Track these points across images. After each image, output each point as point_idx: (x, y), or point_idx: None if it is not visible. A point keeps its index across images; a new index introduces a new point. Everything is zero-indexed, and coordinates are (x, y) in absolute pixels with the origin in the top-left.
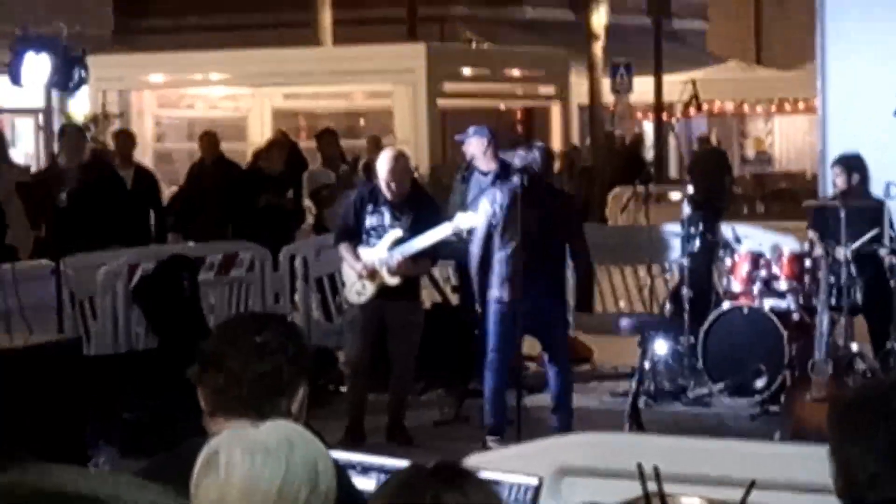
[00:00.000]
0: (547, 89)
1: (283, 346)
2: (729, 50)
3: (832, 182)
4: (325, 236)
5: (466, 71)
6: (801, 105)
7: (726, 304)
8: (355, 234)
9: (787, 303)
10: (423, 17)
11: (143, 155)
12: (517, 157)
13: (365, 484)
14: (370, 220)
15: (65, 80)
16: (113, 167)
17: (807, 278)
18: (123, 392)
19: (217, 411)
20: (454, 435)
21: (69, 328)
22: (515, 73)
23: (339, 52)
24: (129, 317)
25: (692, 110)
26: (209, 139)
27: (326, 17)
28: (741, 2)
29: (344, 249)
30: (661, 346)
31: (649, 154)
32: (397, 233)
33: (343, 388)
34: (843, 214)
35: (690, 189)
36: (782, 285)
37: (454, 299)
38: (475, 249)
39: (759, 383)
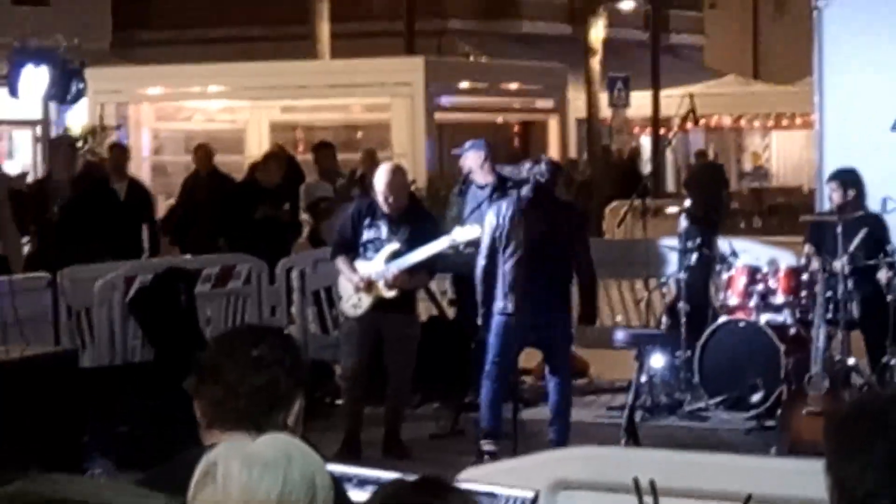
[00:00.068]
0: (544, 103)
1: (280, 359)
2: (726, 64)
3: (828, 197)
4: (323, 249)
5: (464, 84)
6: (798, 120)
7: (723, 318)
8: (352, 248)
9: (784, 317)
10: (421, 31)
11: (141, 167)
12: (524, 170)
13: (361, 497)
14: (367, 234)
15: (63, 92)
16: (105, 180)
17: (803, 292)
18: (119, 404)
19: (214, 424)
20: (450, 448)
21: (65, 340)
22: (513, 86)
23: (336, 65)
24: (125, 329)
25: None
26: (204, 152)
27: (324, 31)
28: (739, 17)
29: (341, 262)
30: (657, 360)
31: (646, 168)
32: (394, 246)
33: (339, 401)
34: (839, 229)
35: (687, 203)
36: (779, 299)
37: (451, 313)
38: (481, 260)
39: (756, 397)
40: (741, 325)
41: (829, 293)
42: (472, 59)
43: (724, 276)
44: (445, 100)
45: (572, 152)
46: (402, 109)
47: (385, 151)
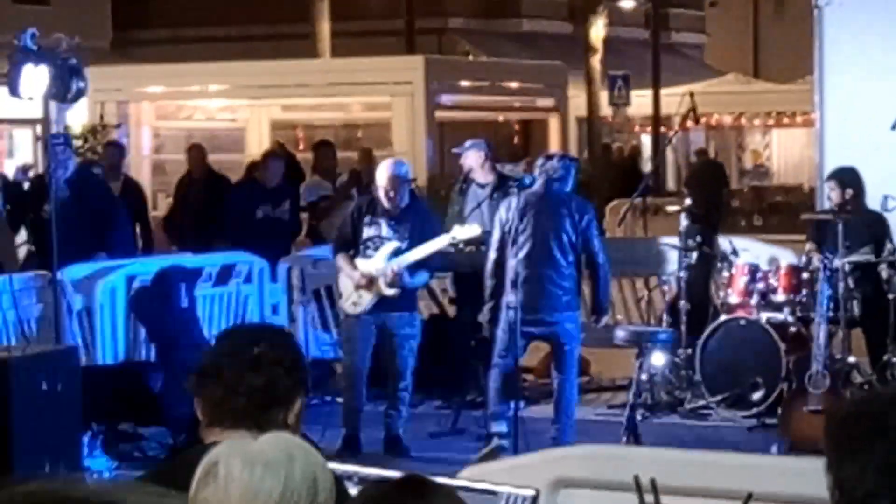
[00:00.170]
0: (545, 102)
1: (280, 358)
2: (727, 63)
3: (827, 196)
4: (323, 247)
5: (464, 83)
6: (798, 118)
7: (723, 317)
8: (352, 245)
9: (785, 315)
10: (421, 30)
11: (141, 166)
12: (536, 166)
13: None
14: (367, 231)
15: (63, 91)
16: (100, 178)
17: (804, 291)
18: (120, 402)
19: (214, 422)
20: (451, 446)
21: (66, 338)
22: (513, 85)
23: (337, 63)
24: (126, 327)
25: (690, 123)
26: (197, 152)
27: (325, 29)
28: (740, 15)
29: (341, 260)
30: (658, 359)
31: (647, 166)
32: (394, 244)
33: (340, 400)
34: (840, 227)
35: (688, 201)
36: (780, 298)
37: (451, 311)
38: (491, 254)
39: (757, 395)
40: (742, 323)
41: (829, 291)
42: (472, 57)
43: (725, 274)
44: (446, 98)
45: (573, 151)
46: (402, 108)
47: (385, 150)
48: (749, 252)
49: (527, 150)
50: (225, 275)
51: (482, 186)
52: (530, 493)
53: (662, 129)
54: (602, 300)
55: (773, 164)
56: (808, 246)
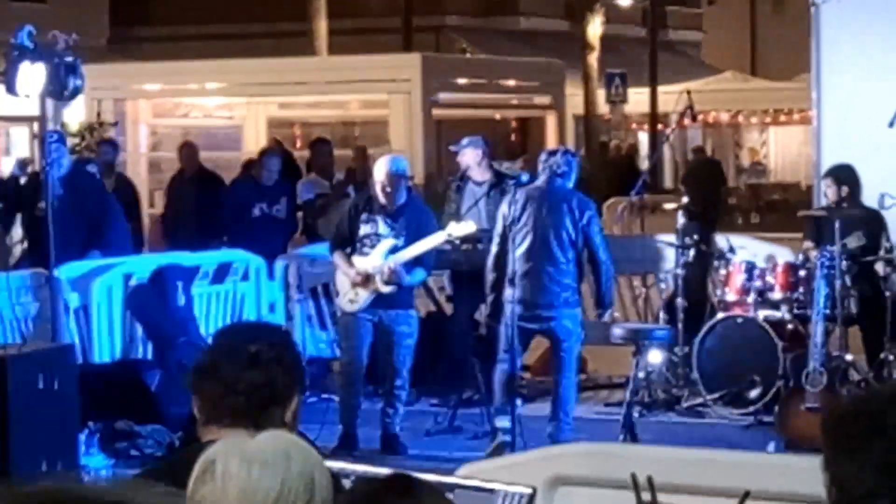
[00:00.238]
0: (542, 99)
1: (278, 356)
2: (724, 61)
3: (823, 194)
4: (320, 245)
5: (462, 81)
6: (796, 116)
7: (721, 315)
8: (350, 243)
9: (782, 313)
10: (419, 28)
11: (138, 164)
12: (539, 162)
13: None
14: (364, 229)
15: (60, 89)
16: (94, 175)
17: (801, 288)
18: (117, 400)
19: (212, 420)
20: (448, 444)
21: (63, 336)
22: (510, 83)
23: (334, 61)
24: (123, 325)
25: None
26: (188, 150)
27: (322, 27)
28: (737, 13)
29: (338, 257)
30: (655, 356)
31: (644, 164)
32: (391, 241)
33: (336, 397)
34: (838, 224)
35: (685, 199)
36: (777, 295)
37: (448, 309)
38: (493, 248)
39: (754, 393)
40: (739, 321)
41: (826, 289)
42: (469, 55)
43: (722, 272)
44: (443, 96)
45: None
46: (399, 106)
47: (382, 148)
48: (746, 250)
49: (524, 148)
50: (222, 273)
51: (479, 184)
52: (527, 490)
53: (660, 126)
54: (605, 294)
55: (770, 161)
56: (806, 244)
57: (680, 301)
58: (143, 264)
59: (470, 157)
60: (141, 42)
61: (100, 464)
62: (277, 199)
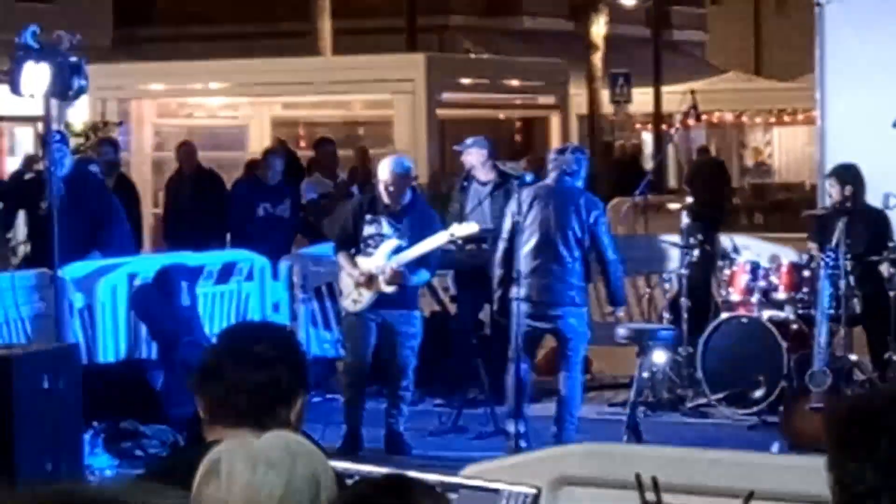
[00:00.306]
0: (546, 99)
1: (282, 356)
2: (728, 61)
3: (827, 193)
4: (324, 245)
5: (466, 81)
6: (800, 116)
7: (725, 315)
8: (354, 243)
9: (786, 313)
10: (423, 28)
11: (142, 164)
12: (549, 160)
13: None
14: (368, 229)
15: (64, 89)
16: (96, 175)
17: (805, 288)
18: (122, 400)
19: (216, 420)
20: (452, 444)
21: (68, 336)
22: (514, 83)
23: (338, 61)
24: (128, 325)
25: (691, 121)
26: (187, 149)
27: (326, 27)
28: (741, 13)
29: (342, 258)
30: (659, 357)
31: (648, 164)
32: (395, 241)
33: (341, 397)
34: (842, 224)
35: (689, 199)
36: (781, 295)
37: (452, 309)
38: (501, 244)
39: (758, 393)
40: (743, 321)
41: (830, 289)
42: (473, 55)
43: (726, 272)
44: (447, 96)
45: None
46: (403, 106)
47: (387, 148)
48: (750, 250)
49: (528, 148)
50: (226, 273)
51: (483, 184)
52: (532, 491)
53: (664, 126)
54: (615, 292)
55: (774, 161)
56: (810, 244)
57: (684, 301)
58: (147, 264)
59: (474, 156)
60: (145, 42)
61: (104, 464)
62: (281, 199)
